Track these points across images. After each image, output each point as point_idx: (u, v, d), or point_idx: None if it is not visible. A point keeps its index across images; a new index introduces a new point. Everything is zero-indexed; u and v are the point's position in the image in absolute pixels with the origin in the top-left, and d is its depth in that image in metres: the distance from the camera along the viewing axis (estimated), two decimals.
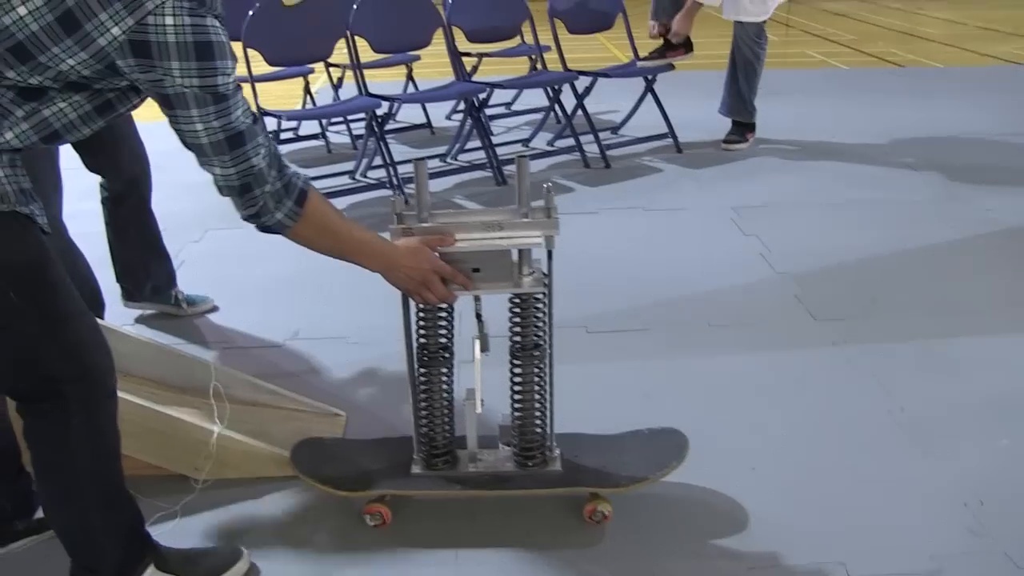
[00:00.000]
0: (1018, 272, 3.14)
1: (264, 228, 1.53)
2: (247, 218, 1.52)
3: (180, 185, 4.06)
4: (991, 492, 1.97)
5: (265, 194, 1.48)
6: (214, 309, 2.93)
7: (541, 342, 1.82)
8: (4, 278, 1.40)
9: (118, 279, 2.78)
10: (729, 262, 3.26)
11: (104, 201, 2.66)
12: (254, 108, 3.78)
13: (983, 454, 2.11)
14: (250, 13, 3.79)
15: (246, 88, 3.84)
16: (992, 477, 2.02)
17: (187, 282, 2.98)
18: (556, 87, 4.69)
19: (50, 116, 1.40)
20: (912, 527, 1.87)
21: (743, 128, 4.76)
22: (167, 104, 1.38)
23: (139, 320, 2.84)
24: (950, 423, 2.24)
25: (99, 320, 2.26)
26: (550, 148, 4.75)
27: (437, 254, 1.70)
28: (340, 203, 3.92)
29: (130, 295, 2.80)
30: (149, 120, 2.40)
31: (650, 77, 4.71)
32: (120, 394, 1.93)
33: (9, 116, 1.37)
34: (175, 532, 1.85)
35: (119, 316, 2.76)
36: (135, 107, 1.50)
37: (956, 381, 2.44)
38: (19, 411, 1.50)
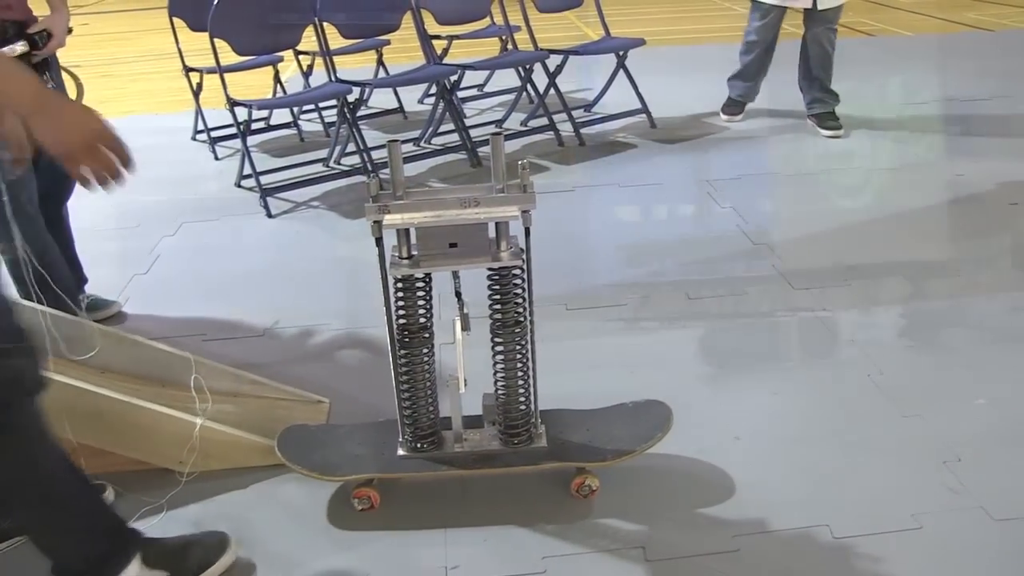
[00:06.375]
0: (988, 234, 3.17)
1: None
2: None
3: (153, 180, 4.04)
4: (969, 449, 2.00)
5: None
6: (119, 315, 2.82)
7: (521, 318, 1.82)
8: None
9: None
10: (706, 234, 3.27)
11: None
12: (223, 99, 3.79)
13: (961, 413, 2.14)
14: (215, 3, 3.75)
15: (214, 79, 3.83)
16: (969, 435, 2.05)
17: (162, 276, 2.95)
18: (527, 67, 4.66)
19: None
20: (894, 487, 1.90)
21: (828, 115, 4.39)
22: None
23: (114, 318, 2.81)
24: (928, 385, 2.27)
25: (74, 315, 2.24)
26: (523, 128, 4.73)
27: None
28: (315, 190, 3.90)
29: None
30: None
31: (621, 53, 4.70)
32: (101, 390, 1.95)
33: None
34: (162, 526, 1.85)
35: None
36: None
37: (932, 343, 2.47)
38: None
